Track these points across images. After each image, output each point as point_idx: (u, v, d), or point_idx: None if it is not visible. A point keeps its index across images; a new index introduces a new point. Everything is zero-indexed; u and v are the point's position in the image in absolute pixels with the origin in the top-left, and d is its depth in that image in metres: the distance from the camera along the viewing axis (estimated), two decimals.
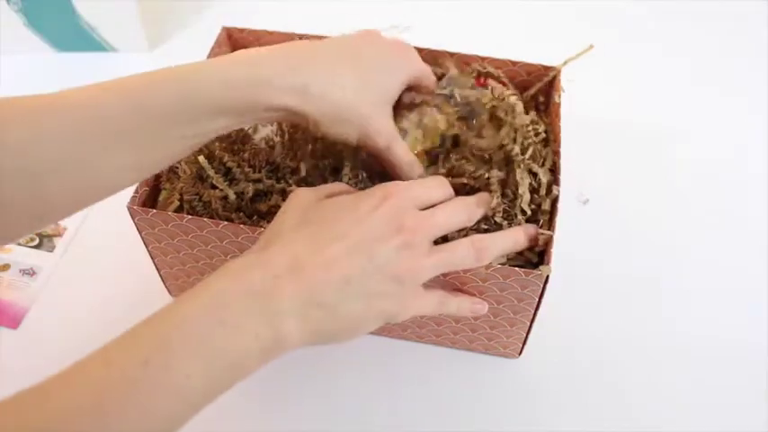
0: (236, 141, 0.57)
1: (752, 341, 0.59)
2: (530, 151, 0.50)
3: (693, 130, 0.75)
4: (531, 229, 0.48)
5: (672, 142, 0.74)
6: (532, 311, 0.51)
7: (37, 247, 0.68)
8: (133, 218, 0.52)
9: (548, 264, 0.47)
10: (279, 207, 0.46)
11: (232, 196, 0.53)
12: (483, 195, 0.48)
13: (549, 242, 0.48)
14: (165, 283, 0.61)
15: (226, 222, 0.50)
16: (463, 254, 0.44)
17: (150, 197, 0.56)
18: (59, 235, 0.69)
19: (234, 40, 0.66)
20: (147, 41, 0.85)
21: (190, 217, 0.50)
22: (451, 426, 0.55)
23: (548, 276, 0.47)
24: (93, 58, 0.85)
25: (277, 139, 0.57)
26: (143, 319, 0.37)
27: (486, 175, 0.49)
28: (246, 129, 0.58)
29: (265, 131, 0.58)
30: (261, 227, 0.50)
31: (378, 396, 0.56)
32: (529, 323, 0.53)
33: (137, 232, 0.55)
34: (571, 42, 0.57)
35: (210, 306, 0.37)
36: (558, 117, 0.55)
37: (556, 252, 0.47)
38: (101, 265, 0.65)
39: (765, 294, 0.61)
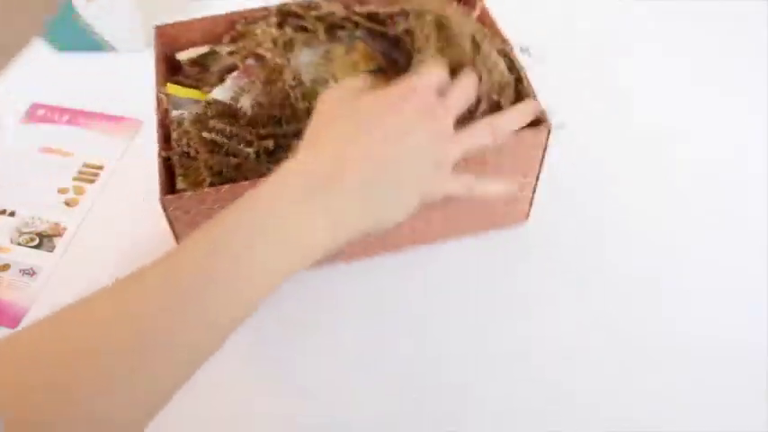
0: (226, 115, 0.58)
1: (752, 341, 0.59)
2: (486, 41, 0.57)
3: (693, 131, 0.75)
4: (535, 103, 0.53)
5: (672, 142, 0.74)
6: (538, 167, 0.59)
7: (37, 247, 0.68)
8: (167, 209, 0.53)
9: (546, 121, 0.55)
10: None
11: (252, 155, 0.56)
12: (469, 72, 0.51)
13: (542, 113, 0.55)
14: None
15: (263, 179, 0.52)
16: (482, 134, 0.49)
17: (170, 188, 0.57)
18: (59, 235, 0.69)
19: (166, 38, 0.68)
20: (147, 41, 0.85)
21: (227, 186, 0.52)
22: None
23: (550, 130, 0.55)
24: (94, 58, 0.86)
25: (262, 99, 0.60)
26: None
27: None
28: (230, 102, 0.61)
29: (247, 100, 0.61)
30: None
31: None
32: (535, 181, 0.61)
33: (137, 232, 0.55)
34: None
35: (266, 210, 0.41)
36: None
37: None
38: (101, 265, 0.65)
39: (765, 294, 0.61)
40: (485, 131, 0.49)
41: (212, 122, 0.58)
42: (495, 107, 0.56)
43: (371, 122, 0.44)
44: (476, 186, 0.50)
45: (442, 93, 0.48)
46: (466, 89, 0.50)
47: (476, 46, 0.57)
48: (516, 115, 0.52)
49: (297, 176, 0.42)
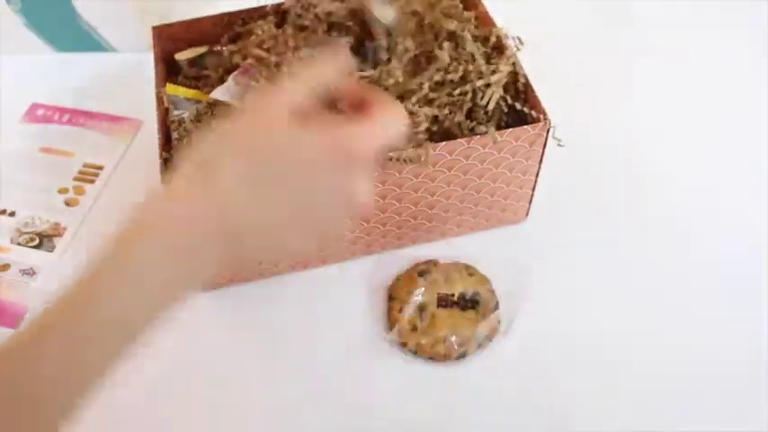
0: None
1: (753, 340, 0.59)
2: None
3: (693, 130, 0.75)
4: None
5: (672, 141, 0.74)
6: (538, 166, 0.59)
7: (37, 247, 0.68)
8: None
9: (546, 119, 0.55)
10: None
11: None
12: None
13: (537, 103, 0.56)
14: None
15: None
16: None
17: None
18: (59, 235, 0.69)
19: (165, 38, 0.68)
20: (147, 41, 0.85)
21: None
22: None
23: (549, 129, 0.55)
24: (93, 58, 0.86)
25: None
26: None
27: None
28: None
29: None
30: None
31: None
32: (534, 179, 0.61)
33: None
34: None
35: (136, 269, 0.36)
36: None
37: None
38: None
39: (766, 294, 0.61)
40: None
41: (213, 123, 0.58)
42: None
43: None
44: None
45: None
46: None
47: (452, 36, 0.58)
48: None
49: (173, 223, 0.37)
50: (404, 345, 0.59)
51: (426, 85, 0.55)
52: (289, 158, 0.37)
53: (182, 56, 0.68)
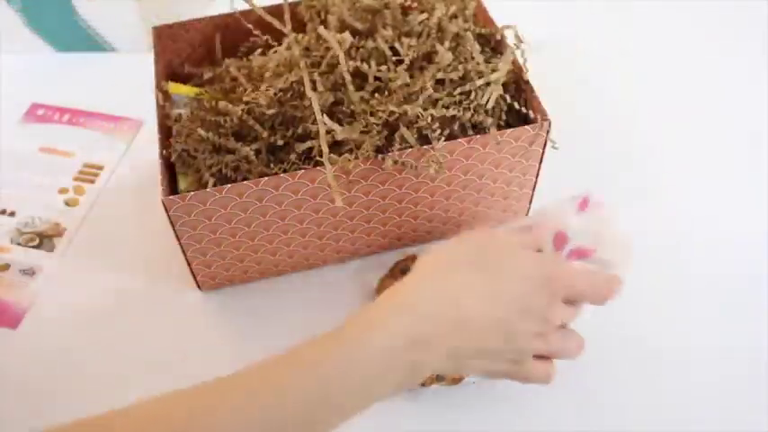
0: (222, 113, 0.59)
1: (753, 341, 0.59)
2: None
3: (693, 129, 0.75)
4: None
5: (672, 140, 0.74)
6: (538, 165, 0.59)
7: (37, 247, 0.68)
8: (168, 209, 0.53)
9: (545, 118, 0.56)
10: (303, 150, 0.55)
11: (251, 155, 0.56)
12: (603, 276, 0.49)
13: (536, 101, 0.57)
14: (195, 279, 0.61)
15: (266, 178, 0.52)
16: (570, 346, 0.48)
17: (171, 188, 0.58)
18: (59, 235, 0.69)
19: (165, 37, 0.68)
20: (147, 41, 0.85)
21: (229, 186, 0.52)
22: None
23: (549, 129, 0.55)
24: (93, 58, 0.85)
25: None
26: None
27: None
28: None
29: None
30: (301, 167, 0.56)
31: None
32: (535, 179, 0.61)
33: (137, 232, 0.55)
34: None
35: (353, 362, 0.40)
36: None
37: None
38: (101, 265, 0.65)
39: (766, 294, 0.61)
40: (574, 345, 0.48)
41: (209, 118, 0.58)
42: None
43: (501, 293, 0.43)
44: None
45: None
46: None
47: (453, 36, 0.59)
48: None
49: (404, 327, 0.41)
50: None
51: (429, 85, 0.55)
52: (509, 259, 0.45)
53: (177, 89, 0.67)
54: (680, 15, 0.88)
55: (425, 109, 0.55)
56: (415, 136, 0.55)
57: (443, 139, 0.55)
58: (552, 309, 0.45)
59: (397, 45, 0.58)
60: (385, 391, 0.41)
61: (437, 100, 0.57)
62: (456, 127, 0.58)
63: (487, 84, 0.57)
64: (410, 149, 0.54)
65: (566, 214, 0.61)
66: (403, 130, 0.55)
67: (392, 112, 0.55)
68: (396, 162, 0.54)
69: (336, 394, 0.39)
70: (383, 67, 0.57)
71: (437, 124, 0.55)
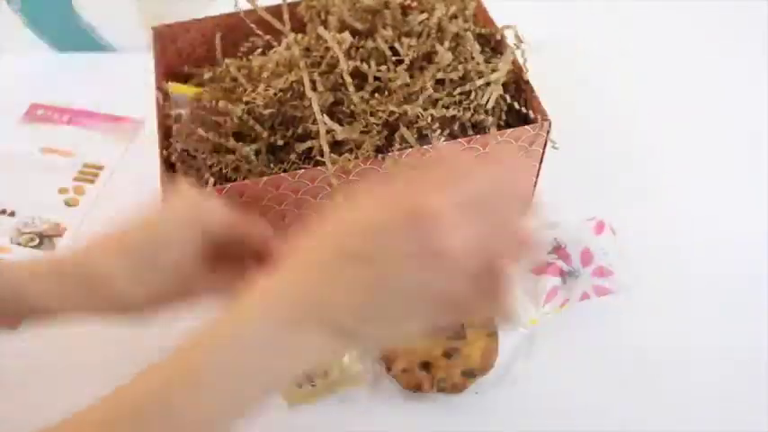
0: (222, 113, 0.59)
1: (753, 341, 0.59)
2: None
3: (693, 129, 0.75)
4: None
5: (672, 140, 0.74)
6: (537, 165, 0.59)
7: (37, 247, 0.68)
8: None
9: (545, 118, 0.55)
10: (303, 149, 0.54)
11: (251, 155, 0.56)
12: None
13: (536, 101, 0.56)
14: None
15: (266, 177, 0.52)
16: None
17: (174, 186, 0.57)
18: (59, 235, 0.69)
19: (165, 38, 0.68)
20: (147, 41, 0.85)
21: (229, 185, 0.52)
22: None
23: (549, 129, 0.55)
24: (93, 58, 0.85)
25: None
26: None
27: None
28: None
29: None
30: (301, 167, 0.55)
31: None
32: (535, 179, 0.61)
33: None
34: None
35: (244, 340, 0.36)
36: None
37: None
38: None
39: (766, 295, 0.61)
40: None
41: (209, 118, 0.58)
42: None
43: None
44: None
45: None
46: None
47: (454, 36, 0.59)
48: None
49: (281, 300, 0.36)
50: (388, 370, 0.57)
51: (429, 85, 0.55)
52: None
53: (177, 89, 0.67)
54: (680, 15, 0.88)
55: (425, 109, 0.55)
56: (415, 136, 0.55)
57: (443, 139, 0.55)
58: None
59: (396, 45, 0.58)
60: (277, 378, 0.37)
61: (437, 100, 0.57)
62: (456, 127, 0.58)
63: (487, 84, 0.57)
64: (410, 149, 0.54)
65: (585, 233, 0.62)
66: (403, 130, 0.55)
67: (392, 112, 0.55)
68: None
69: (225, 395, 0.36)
70: (383, 67, 0.57)
71: (437, 124, 0.55)
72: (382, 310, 0.35)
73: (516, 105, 0.58)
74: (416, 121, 0.55)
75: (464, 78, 0.58)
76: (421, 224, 0.33)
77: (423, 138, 0.55)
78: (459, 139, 0.55)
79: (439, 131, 0.54)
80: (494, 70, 0.58)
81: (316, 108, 0.53)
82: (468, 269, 0.34)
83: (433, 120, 0.55)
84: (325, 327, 0.36)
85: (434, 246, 0.33)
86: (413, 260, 0.34)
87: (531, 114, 0.58)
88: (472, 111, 0.57)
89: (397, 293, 0.35)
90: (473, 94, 0.57)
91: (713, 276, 0.63)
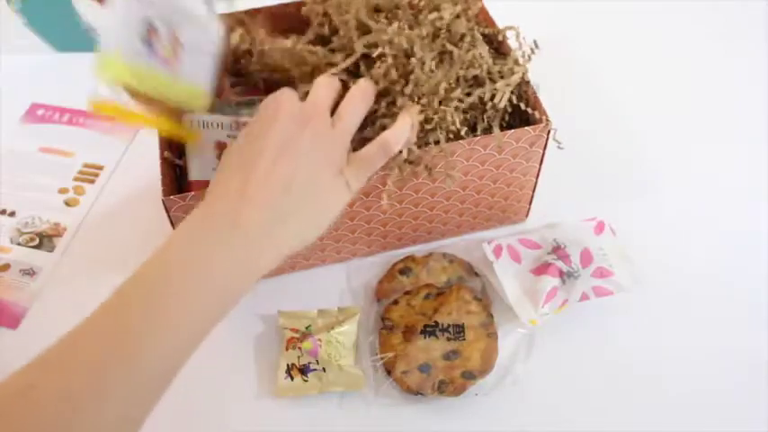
0: None
1: (753, 341, 0.59)
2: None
3: (693, 128, 0.75)
4: (412, 110, 0.52)
5: (672, 140, 0.74)
6: (538, 167, 0.59)
7: (37, 247, 0.68)
8: (169, 210, 0.53)
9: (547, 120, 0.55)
10: None
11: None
12: (361, 82, 0.50)
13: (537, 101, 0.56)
14: None
15: None
16: (375, 156, 0.49)
17: (174, 186, 0.58)
18: (59, 235, 0.69)
19: None
20: None
21: None
22: None
23: (550, 130, 0.55)
24: (94, 59, 0.85)
25: None
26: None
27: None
28: None
29: None
30: None
31: None
32: (535, 180, 0.61)
33: (138, 232, 0.55)
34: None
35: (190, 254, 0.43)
36: None
37: None
38: (101, 265, 0.65)
39: (766, 295, 0.61)
40: (377, 154, 0.49)
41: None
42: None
43: (254, 152, 0.44)
44: (386, 141, 0.49)
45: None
46: (355, 102, 0.48)
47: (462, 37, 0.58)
48: (400, 126, 0.50)
49: (205, 222, 0.43)
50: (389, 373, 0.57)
51: (442, 86, 0.54)
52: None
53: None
54: (680, 15, 0.88)
55: (455, 109, 0.55)
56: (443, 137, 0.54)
57: (443, 140, 0.54)
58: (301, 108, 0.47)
59: (416, 48, 0.57)
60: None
61: (459, 101, 0.56)
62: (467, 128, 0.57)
63: (506, 85, 0.57)
64: (417, 151, 0.53)
65: (585, 233, 0.62)
66: (438, 133, 0.54)
67: (428, 118, 0.54)
68: (411, 162, 0.53)
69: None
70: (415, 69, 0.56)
71: (465, 128, 0.55)
72: (272, 176, 0.43)
73: (522, 106, 0.58)
74: (443, 124, 0.54)
75: (476, 79, 0.57)
76: (269, 103, 0.46)
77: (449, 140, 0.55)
78: (461, 140, 0.55)
79: (465, 131, 0.54)
80: (513, 72, 0.57)
81: None
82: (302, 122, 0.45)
83: (461, 122, 0.55)
84: (237, 229, 0.42)
85: (279, 107, 0.45)
86: (270, 122, 0.45)
87: (537, 115, 0.57)
88: (488, 112, 0.57)
89: (268, 150, 0.44)
90: (486, 95, 0.57)
91: (713, 277, 0.63)
